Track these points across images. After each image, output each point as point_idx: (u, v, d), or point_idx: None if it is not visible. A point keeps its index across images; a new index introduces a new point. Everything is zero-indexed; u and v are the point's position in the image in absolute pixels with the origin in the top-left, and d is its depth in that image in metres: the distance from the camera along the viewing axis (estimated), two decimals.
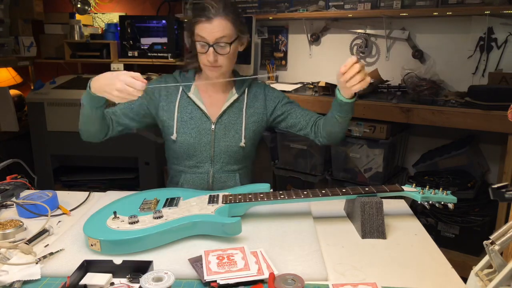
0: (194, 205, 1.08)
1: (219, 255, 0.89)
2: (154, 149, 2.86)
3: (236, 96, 1.42)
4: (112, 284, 0.82)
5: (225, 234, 0.99)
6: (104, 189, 1.87)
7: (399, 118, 2.06)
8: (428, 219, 2.15)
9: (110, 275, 0.84)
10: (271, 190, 1.19)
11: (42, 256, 0.90)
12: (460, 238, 2.10)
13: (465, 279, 0.83)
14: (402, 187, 1.14)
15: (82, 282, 0.81)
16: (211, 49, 1.29)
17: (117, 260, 0.86)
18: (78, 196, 1.34)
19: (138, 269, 0.85)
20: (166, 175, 2.99)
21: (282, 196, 1.09)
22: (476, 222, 2.05)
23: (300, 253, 0.95)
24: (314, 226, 1.09)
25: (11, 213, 1.20)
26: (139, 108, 1.41)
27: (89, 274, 0.84)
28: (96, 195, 1.35)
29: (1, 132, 2.87)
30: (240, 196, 1.10)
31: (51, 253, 0.92)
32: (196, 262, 0.89)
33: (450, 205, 1.11)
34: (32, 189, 1.34)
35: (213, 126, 1.39)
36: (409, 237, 1.06)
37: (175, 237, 0.99)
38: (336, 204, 1.25)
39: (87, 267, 0.86)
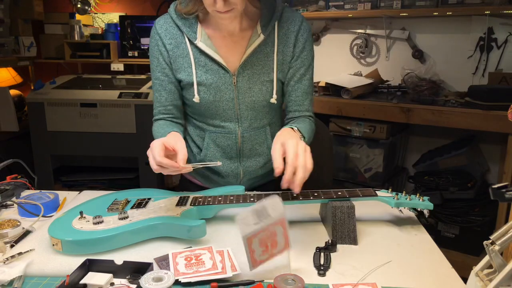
0: (162, 206, 1.07)
1: (187, 256, 0.89)
2: None
3: (261, 38, 1.12)
4: (112, 284, 0.82)
5: (189, 237, 0.97)
6: (104, 189, 1.87)
7: (399, 118, 2.06)
8: (428, 219, 2.15)
9: (110, 275, 0.84)
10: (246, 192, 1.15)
11: (10, 256, 0.90)
12: (460, 238, 2.10)
13: (465, 279, 0.83)
14: (377, 191, 1.09)
15: (83, 281, 0.81)
16: None
17: (118, 261, 0.86)
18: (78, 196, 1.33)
19: (139, 270, 0.85)
20: (166, 175, 3.00)
21: (252, 199, 1.06)
22: (476, 222, 2.06)
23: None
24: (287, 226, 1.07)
25: (11, 213, 1.20)
26: (172, 84, 1.20)
27: (90, 273, 0.84)
28: (73, 195, 1.32)
29: (1, 132, 2.88)
30: (209, 198, 1.08)
31: (20, 253, 0.91)
32: (162, 261, 0.89)
33: (426, 212, 1.06)
34: (32, 189, 1.33)
35: (234, 79, 1.14)
36: (409, 237, 1.05)
37: (139, 239, 0.98)
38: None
39: (89, 266, 0.86)
